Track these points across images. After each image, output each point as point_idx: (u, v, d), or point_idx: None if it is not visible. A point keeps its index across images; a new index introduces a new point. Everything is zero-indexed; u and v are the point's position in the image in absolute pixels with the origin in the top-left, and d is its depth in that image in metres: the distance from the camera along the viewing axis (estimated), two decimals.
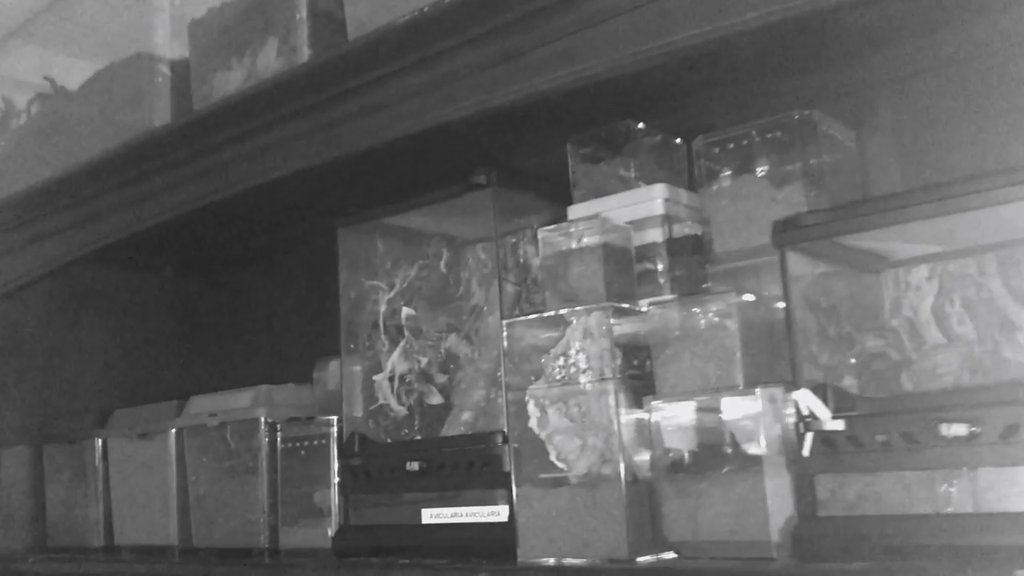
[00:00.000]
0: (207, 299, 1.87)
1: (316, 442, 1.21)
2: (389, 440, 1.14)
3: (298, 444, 1.24)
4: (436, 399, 1.17)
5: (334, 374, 1.29)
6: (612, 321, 0.94)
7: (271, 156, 1.19)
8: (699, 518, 0.86)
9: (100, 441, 1.51)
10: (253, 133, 1.19)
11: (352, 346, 1.20)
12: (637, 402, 0.94)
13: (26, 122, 1.54)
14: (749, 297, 0.89)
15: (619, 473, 0.91)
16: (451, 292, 1.15)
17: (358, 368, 1.21)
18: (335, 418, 1.21)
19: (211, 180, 1.25)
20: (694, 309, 0.89)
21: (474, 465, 1.03)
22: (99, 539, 1.48)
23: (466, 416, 1.09)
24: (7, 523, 1.57)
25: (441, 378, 1.17)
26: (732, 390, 0.85)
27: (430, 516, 1.07)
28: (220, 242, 1.72)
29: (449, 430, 1.10)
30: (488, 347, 1.08)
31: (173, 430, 1.38)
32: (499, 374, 1.07)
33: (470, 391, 1.09)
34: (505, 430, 1.01)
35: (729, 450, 0.85)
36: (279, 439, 1.25)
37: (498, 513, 1.01)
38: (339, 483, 1.16)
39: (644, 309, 0.97)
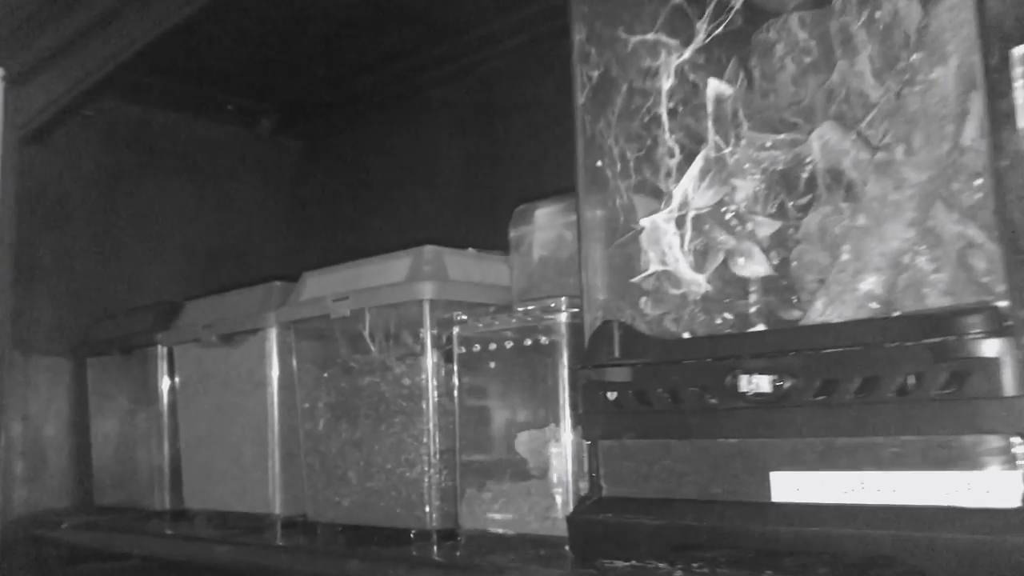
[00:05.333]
0: (316, 160, 1.36)
1: (529, 342, 0.68)
2: (687, 335, 0.60)
3: (491, 347, 0.71)
4: (759, 266, 0.62)
5: (547, 229, 0.75)
6: None
7: None
8: None
9: (164, 350, 1.01)
10: None
11: (599, 164, 0.65)
12: None
13: None
14: None
15: None
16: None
17: (604, 212, 0.67)
18: (564, 299, 0.67)
19: None
20: None
21: (924, 381, 0.48)
22: (162, 499, 1.00)
23: (868, 284, 0.53)
24: (38, 470, 1.11)
25: (768, 226, 0.62)
26: None
27: (793, 488, 0.53)
28: (337, 73, 1.20)
29: (830, 310, 0.54)
30: (924, 136, 0.52)
31: (274, 327, 0.87)
32: (951, 189, 0.52)
33: (873, 233, 0.54)
34: (1003, 304, 0.46)
35: None
36: (456, 338, 0.72)
37: (988, 490, 0.46)
38: (582, 416, 0.62)
39: None
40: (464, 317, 0.74)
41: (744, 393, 0.55)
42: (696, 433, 0.58)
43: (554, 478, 0.68)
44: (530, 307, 0.70)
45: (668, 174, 0.63)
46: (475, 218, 1.17)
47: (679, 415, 0.58)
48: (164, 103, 1.27)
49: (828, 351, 0.53)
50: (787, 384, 0.54)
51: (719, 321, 0.60)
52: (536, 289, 0.76)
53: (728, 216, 0.63)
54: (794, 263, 0.62)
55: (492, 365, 0.74)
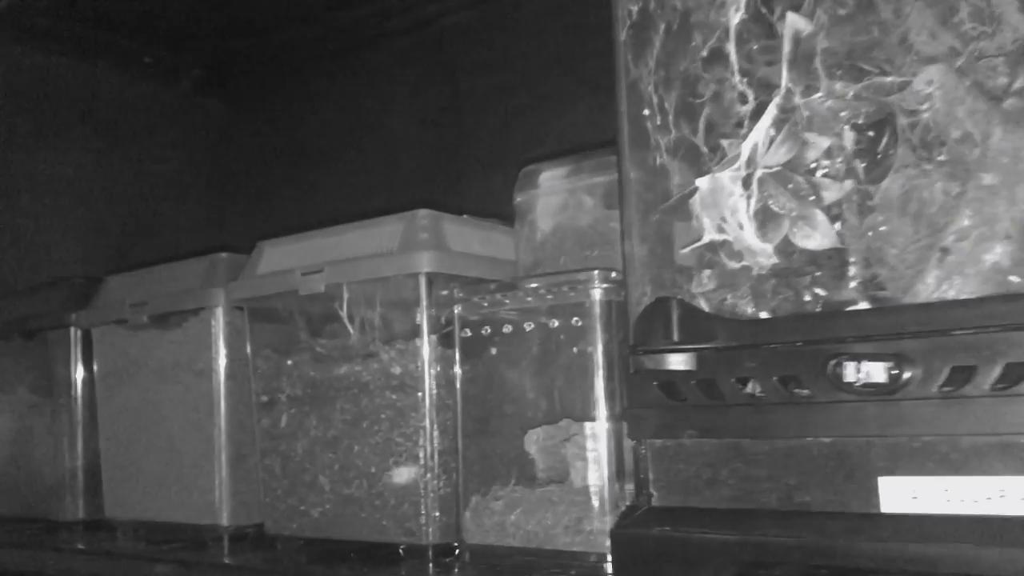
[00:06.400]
0: (244, 123, 1.23)
1: (556, 323, 0.58)
2: (764, 315, 0.51)
3: (505, 330, 0.61)
4: (826, 237, 0.54)
5: (561, 193, 0.66)
6: None
7: None
8: None
9: (77, 333, 0.87)
10: None
11: (645, 113, 0.56)
12: None
13: None
14: None
15: None
16: None
17: (645, 171, 0.58)
18: (596, 272, 0.57)
19: None
20: None
21: None
22: (74, 508, 0.86)
23: (995, 254, 0.46)
24: None
25: (841, 190, 0.54)
26: None
27: (908, 496, 0.45)
28: (271, 24, 1.08)
29: (946, 285, 0.47)
30: None
31: (220, 307, 0.74)
32: None
33: (1001, 195, 0.46)
34: None
35: None
36: (457, 319, 0.62)
37: None
38: (628, 411, 0.52)
39: None
40: (466, 295, 0.63)
41: (850, 384, 0.47)
42: (783, 431, 0.49)
43: (582, 482, 0.59)
44: (553, 282, 0.60)
45: (737, 124, 0.54)
46: (433, 189, 1.07)
47: (760, 409, 0.50)
48: (70, 51, 1.12)
49: (959, 333, 0.44)
50: (907, 373, 0.45)
51: (808, 298, 0.51)
52: (550, 262, 0.66)
53: (800, 177, 0.54)
54: (869, 233, 0.54)
55: (498, 351, 0.63)
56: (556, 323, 0.59)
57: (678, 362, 0.52)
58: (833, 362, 0.47)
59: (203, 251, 0.83)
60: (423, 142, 1.08)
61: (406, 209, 0.71)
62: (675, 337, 0.53)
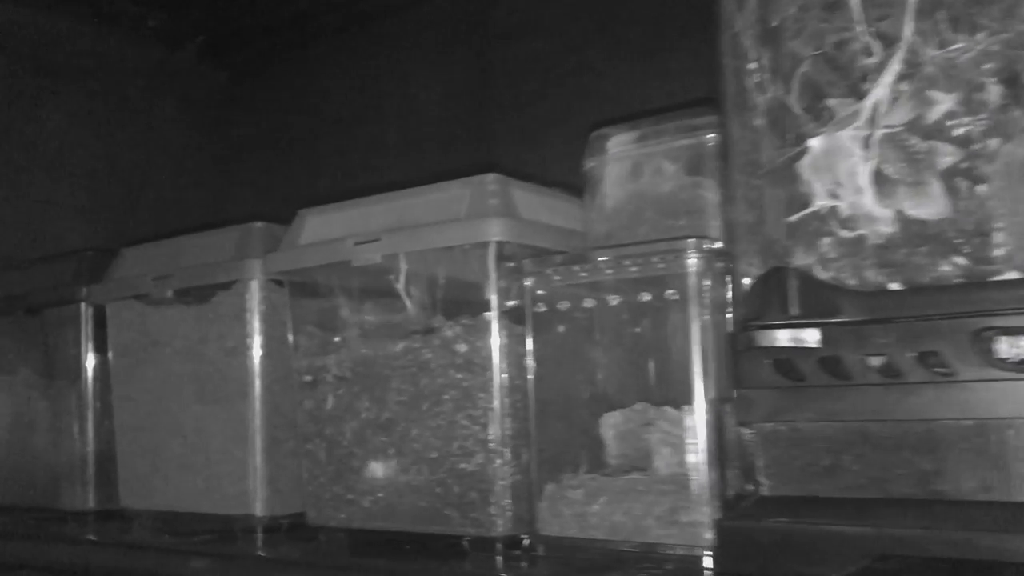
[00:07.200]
0: (252, 92, 1.17)
1: (647, 296, 0.54)
2: (895, 285, 0.47)
3: (585, 304, 0.57)
4: (942, 203, 0.50)
5: (636, 159, 0.61)
6: None
7: None
8: None
9: (88, 309, 0.82)
10: None
11: (751, 67, 0.52)
12: None
13: None
14: None
15: None
16: None
17: (750, 131, 0.54)
18: (692, 241, 0.53)
19: None
20: None
21: None
22: (84, 497, 0.81)
23: None
24: None
25: (957, 155, 0.51)
26: None
27: None
28: None
29: None
30: None
31: (255, 280, 0.69)
32: None
33: None
34: None
35: None
36: (528, 293, 0.58)
37: None
38: (739, 394, 0.48)
39: None
40: (537, 266, 0.58)
41: (1004, 360, 0.43)
42: (922, 412, 0.45)
43: (669, 470, 0.54)
44: (640, 252, 0.55)
45: (859, 80, 0.50)
46: (458, 162, 1.02)
47: (894, 389, 0.45)
48: (69, 11, 1.05)
49: None
50: None
51: (947, 268, 0.47)
52: (624, 232, 0.61)
53: (922, 139, 0.50)
54: (990, 201, 0.50)
55: (575, 328, 0.59)
56: (648, 296, 0.55)
57: (799, 338, 0.48)
58: (984, 336, 0.43)
59: (207, 225, 0.77)
60: (450, 114, 1.03)
61: (429, 183, 0.66)
62: (794, 311, 0.48)
